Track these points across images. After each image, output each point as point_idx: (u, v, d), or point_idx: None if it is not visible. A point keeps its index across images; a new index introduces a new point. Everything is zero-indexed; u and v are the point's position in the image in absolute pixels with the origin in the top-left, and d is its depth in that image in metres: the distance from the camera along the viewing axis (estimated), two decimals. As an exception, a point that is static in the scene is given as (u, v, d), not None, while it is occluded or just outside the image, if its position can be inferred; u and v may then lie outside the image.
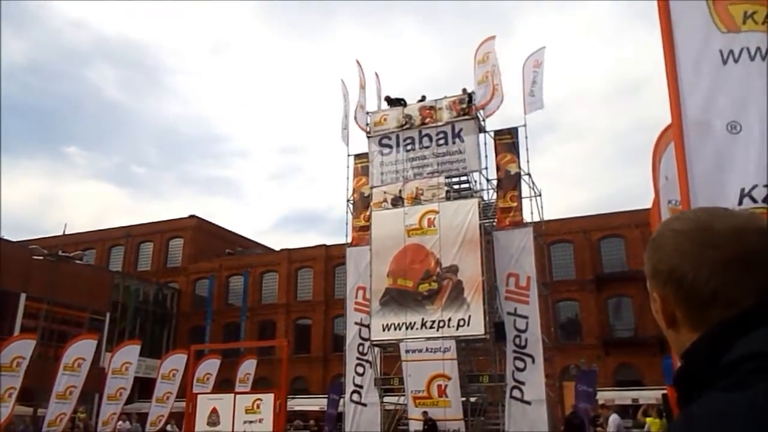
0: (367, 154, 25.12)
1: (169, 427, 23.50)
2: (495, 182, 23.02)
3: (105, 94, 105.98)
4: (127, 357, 21.45)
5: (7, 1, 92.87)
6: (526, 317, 20.71)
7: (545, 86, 22.65)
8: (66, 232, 41.33)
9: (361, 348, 23.54)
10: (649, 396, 25.90)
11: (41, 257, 24.23)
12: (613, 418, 9.51)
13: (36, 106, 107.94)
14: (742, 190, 2.40)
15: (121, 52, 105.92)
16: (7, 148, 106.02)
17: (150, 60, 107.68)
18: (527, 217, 22.27)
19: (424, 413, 19.67)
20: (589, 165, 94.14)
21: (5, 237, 34.42)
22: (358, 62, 25.56)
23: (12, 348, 17.53)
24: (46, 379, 19.75)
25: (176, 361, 23.47)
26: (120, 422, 21.29)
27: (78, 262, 29.05)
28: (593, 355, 33.61)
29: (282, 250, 46.32)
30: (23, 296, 31.64)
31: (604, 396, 25.48)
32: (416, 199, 22.98)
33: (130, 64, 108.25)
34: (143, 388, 31.29)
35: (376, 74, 26.65)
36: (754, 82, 2.35)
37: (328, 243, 42.39)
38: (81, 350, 19.59)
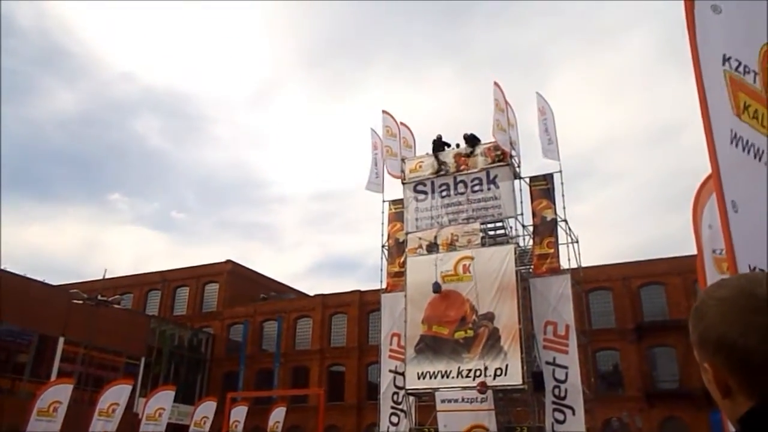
0: (402, 200, 25.19)
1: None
2: (531, 228, 22.74)
3: (149, 143, 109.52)
4: (162, 403, 21.49)
5: (59, 57, 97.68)
6: (565, 367, 20.10)
7: (575, 133, 22.55)
8: (106, 277, 42.22)
9: (395, 396, 23.08)
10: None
11: (80, 301, 24.62)
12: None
13: (84, 154, 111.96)
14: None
15: (166, 102, 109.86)
16: (55, 195, 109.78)
17: (193, 109, 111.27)
18: (564, 264, 21.83)
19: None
20: (627, 211, 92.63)
21: (47, 281, 35.29)
22: (387, 113, 26.14)
23: (50, 393, 17.69)
24: (80, 424, 19.82)
25: (207, 409, 23.44)
26: (152, 470, 21.11)
27: (116, 306, 29.42)
28: (636, 408, 32.28)
29: (316, 295, 46.21)
30: (62, 340, 32.12)
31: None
32: (451, 246, 22.80)
33: (173, 113, 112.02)
34: (176, 434, 31.17)
35: (404, 124, 27.10)
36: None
37: (362, 289, 42.20)
38: (116, 395, 19.71)
